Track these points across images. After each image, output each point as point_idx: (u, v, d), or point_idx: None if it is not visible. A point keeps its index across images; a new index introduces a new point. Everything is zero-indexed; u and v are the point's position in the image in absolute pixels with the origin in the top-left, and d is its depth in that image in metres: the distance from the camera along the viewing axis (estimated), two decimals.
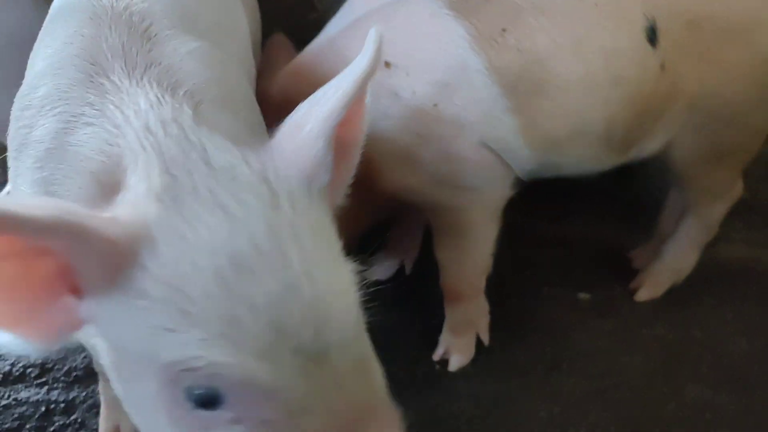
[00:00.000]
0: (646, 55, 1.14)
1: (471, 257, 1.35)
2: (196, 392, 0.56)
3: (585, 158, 1.31)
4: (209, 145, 0.62)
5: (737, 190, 1.53)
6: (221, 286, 0.54)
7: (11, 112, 0.82)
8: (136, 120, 0.65)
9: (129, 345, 0.58)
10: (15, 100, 0.82)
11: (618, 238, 1.80)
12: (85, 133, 0.67)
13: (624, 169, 1.57)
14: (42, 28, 0.93)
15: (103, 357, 0.65)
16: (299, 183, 0.62)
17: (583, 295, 1.62)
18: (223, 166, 0.60)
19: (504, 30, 1.11)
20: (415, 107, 1.13)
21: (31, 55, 0.89)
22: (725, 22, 1.21)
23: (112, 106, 0.68)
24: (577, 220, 1.81)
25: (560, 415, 1.36)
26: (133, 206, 0.57)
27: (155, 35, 0.79)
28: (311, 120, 0.64)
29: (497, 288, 1.57)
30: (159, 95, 0.69)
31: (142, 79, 0.71)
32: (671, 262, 1.60)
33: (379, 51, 0.69)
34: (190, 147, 0.62)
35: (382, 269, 1.71)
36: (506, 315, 1.54)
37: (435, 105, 1.12)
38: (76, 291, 0.57)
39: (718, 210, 1.53)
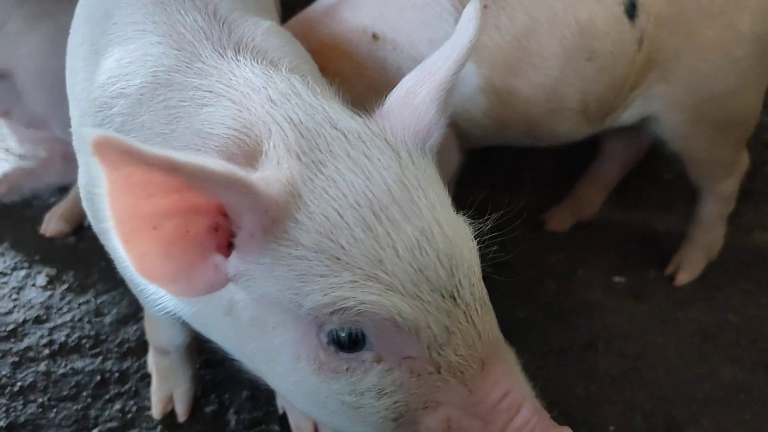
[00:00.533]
0: (623, 29, 1.15)
1: None
2: (342, 334, 0.61)
3: (559, 131, 1.33)
4: (331, 111, 0.69)
5: (743, 162, 1.54)
6: (366, 233, 0.60)
7: (82, 100, 0.86)
8: (255, 95, 0.70)
9: (276, 295, 0.62)
10: (90, 88, 0.85)
11: (652, 221, 1.81)
12: (204, 114, 0.71)
13: (659, 153, 1.58)
14: (82, 13, 0.97)
15: (241, 313, 0.68)
16: (414, 142, 0.69)
17: (619, 279, 1.64)
18: (348, 128, 0.66)
19: (485, 6, 1.12)
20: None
21: (79, 40, 0.94)
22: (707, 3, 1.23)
23: (222, 86, 0.72)
24: (610, 203, 1.83)
25: (596, 392, 1.38)
26: (277, 168, 0.62)
27: (225, 18, 0.83)
28: (425, 87, 0.70)
29: (533, 268, 1.60)
30: (265, 72, 0.74)
31: (238, 59, 0.76)
32: (701, 240, 1.61)
33: (480, 24, 0.73)
34: (315, 113, 0.68)
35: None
36: (542, 295, 1.57)
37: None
38: (224, 250, 0.62)
39: (730, 184, 1.54)
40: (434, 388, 0.64)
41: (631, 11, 1.15)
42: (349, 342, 0.61)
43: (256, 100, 0.69)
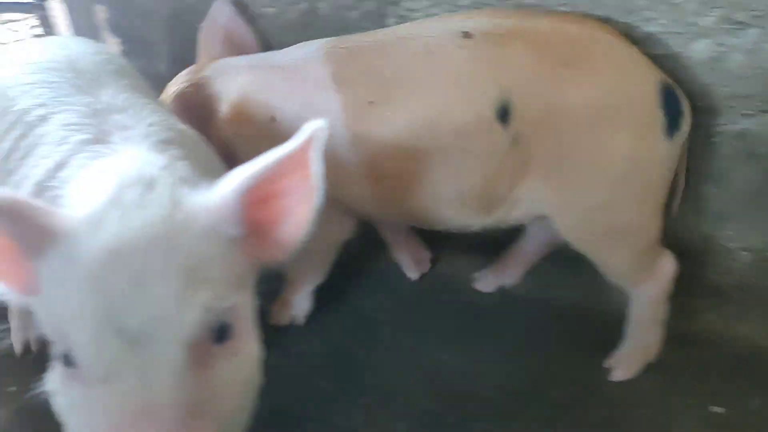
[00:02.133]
0: (494, 131, 1.16)
1: None
2: (61, 351, 0.74)
3: (446, 218, 1.35)
4: (159, 178, 0.81)
5: (667, 267, 1.46)
6: (91, 281, 0.70)
7: None
8: (126, 162, 0.85)
9: (42, 305, 0.76)
10: None
11: (760, 337, 1.70)
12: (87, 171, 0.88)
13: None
14: None
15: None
16: (201, 222, 0.77)
17: (717, 409, 1.56)
18: (156, 191, 0.78)
19: (371, 102, 1.18)
20: None
21: None
22: (581, 114, 1.17)
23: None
24: (711, 315, 1.73)
25: None
26: (79, 210, 0.76)
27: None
28: (232, 180, 0.80)
29: (623, 393, 1.56)
30: (150, 151, 0.90)
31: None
32: (636, 341, 1.57)
33: (307, 144, 0.79)
34: (141, 177, 0.80)
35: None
36: (633, 425, 1.53)
37: None
38: (25, 261, 0.75)
39: (652, 289, 1.46)
40: (95, 422, 0.73)
41: (504, 115, 1.15)
42: (65, 359, 0.73)
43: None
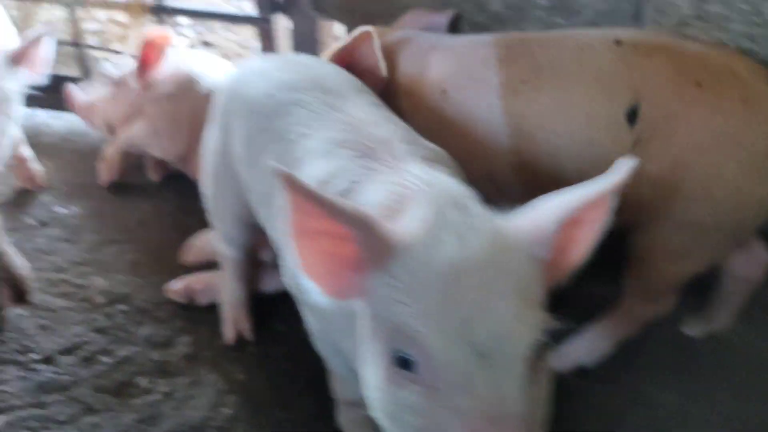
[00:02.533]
0: (620, 128, 1.21)
1: None
2: (400, 354, 0.76)
3: None
4: (465, 200, 0.85)
5: (670, 301, 1.45)
6: (440, 293, 0.75)
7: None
8: (414, 179, 0.91)
9: (378, 310, 0.80)
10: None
11: None
12: (378, 184, 0.94)
13: None
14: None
15: (358, 322, 0.87)
16: (522, 245, 0.80)
17: None
18: (474, 214, 0.82)
19: (523, 81, 1.26)
20: None
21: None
22: (699, 133, 1.20)
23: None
24: None
25: None
26: (409, 227, 0.80)
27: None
28: (551, 207, 0.83)
29: None
30: (424, 167, 0.95)
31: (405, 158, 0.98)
32: (583, 342, 1.50)
33: (623, 180, 0.83)
34: (452, 200, 0.84)
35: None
36: None
37: None
38: (359, 270, 0.80)
39: (647, 311, 1.46)
40: (446, 425, 0.74)
41: (632, 117, 1.21)
42: (403, 362, 0.76)
43: (415, 182, 0.90)
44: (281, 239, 1.00)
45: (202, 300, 1.57)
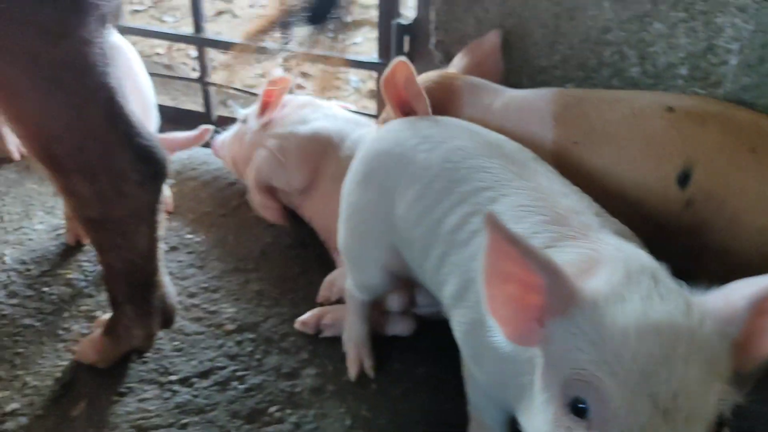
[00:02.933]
0: (671, 192, 1.26)
1: None
2: (572, 401, 0.78)
3: None
4: (657, 271, 0.87)
5: None
6: (623, 344, 0.76)
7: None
8: (606, 246, 0.95)
9: (555, 357, 0.83)
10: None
11: None
12: (570, 247, 0.98)
13: None
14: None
15: (535, 369, 0.89)
16: (711, 318, 0.81)
17: None
18: (664, 284, 0.84)
19: (575, 143, 1.32)
20: None
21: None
22: (752, 197, 1.23)
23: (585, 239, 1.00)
24: None
25: None
26: (597, 284, 0.84)
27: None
28: (746, 287, 0.83)
29: None
30: (616, 238, 0.98)
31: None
32: None
33: None
34: (644, 268, 0.87)
35: None
36: None
37: None
38: (540, 320, 0.84)
39: None
40: None
41: (683, 180, 1.24)
42: (575, 408, 0.78)
43: (609, 249, 0.93)
44: (464, 282, 1.09)
45: (329, 332, 1.65)
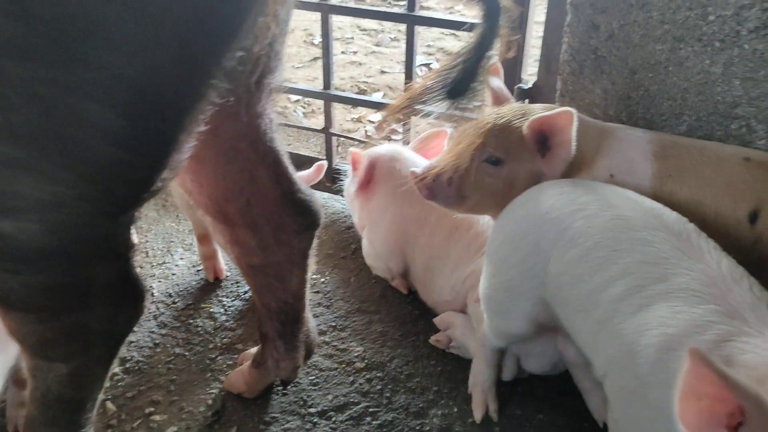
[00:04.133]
0: (741, 227, 1.39)
1: None
2: None
3: None
4: None
5: None
6: None
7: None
8: None
9: None
10: None
11: None
12: (749, 346, 0.99)
13: None
14: None
15: None
16: None
17: None
18: None
19: (669, 176, 1.46)
20: None
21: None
22: None
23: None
24: None
25: None
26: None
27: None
28: None
29: None
30: None
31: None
32: None
33: None
34: None
35: None
36: None
37: None
38: (729, 427, 0.87)
39: None
40: None
41: (753, 218, 1.39)
42: None
43: None
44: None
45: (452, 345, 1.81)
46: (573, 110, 1.42)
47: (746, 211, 1.40)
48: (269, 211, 1.46)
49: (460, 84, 1.33)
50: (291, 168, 1.47)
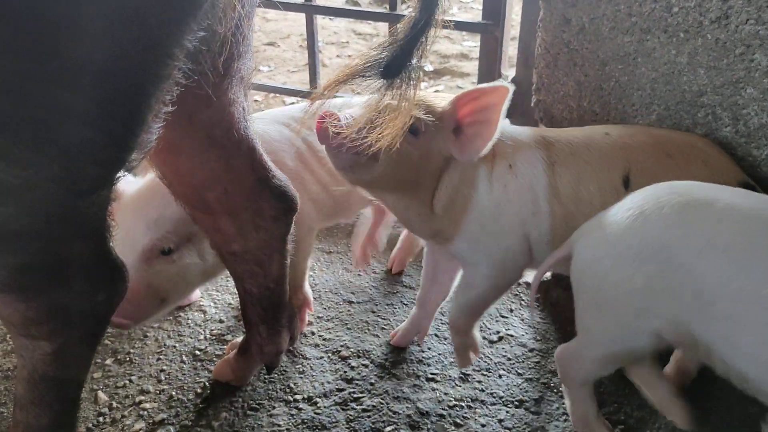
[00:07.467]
0: (619, 193, 1.50)
1: None
2: None
3: None
4: None
5: None
6: None
7: None
8: None
9: None
10: None
11: None
12: None
13: None
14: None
15: None
16: None
17: None
18: None
19: (554, 162, 1.57)
20: None
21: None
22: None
23: None
24: None
25: None
26: None
27: None
28: None
29: None
30: None
31: None
32: None
33: None
34: None
35: None
36: None
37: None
38: None
39: None
40: None
41: (627, 182, 1.52)
42: None
43: None
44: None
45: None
46: (511, 86, 1.42)
47: (620, 177, 1.54)
48: (247, 198, 1.50)
49: (393, 63, 1.28)
50: (265, 155, 1.52)
